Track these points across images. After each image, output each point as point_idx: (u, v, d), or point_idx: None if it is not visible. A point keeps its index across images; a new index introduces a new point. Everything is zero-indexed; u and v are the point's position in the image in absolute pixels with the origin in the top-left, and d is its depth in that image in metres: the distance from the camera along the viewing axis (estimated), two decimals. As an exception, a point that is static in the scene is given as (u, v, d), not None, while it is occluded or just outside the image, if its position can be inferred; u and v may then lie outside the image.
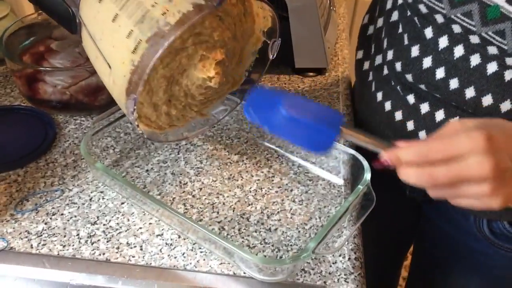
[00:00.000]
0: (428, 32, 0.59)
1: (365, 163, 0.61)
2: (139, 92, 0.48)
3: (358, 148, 0.76)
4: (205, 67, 0.54)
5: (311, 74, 0.91)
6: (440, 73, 0.59)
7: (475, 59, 0.56)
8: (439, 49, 0.58)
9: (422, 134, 0.63)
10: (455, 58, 0.57)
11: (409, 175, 0.45)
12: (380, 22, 0.71)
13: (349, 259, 0.56)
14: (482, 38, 0.53)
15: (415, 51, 0.61)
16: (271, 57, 0.62)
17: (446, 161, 0.43)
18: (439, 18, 0.56)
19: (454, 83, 0.58)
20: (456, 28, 0.55)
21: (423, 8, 0.57)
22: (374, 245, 0.93)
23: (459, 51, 0.56)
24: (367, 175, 0.59)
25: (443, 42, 0.58)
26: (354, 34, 1.94)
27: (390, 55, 0.66)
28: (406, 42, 0.62)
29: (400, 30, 0.64)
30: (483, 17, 0.51)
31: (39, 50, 0.78)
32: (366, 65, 0.75)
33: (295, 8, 0.82)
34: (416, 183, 0.45)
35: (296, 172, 0.68)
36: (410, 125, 0.64)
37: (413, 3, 0.58)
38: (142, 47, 0.47)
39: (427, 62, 0.60)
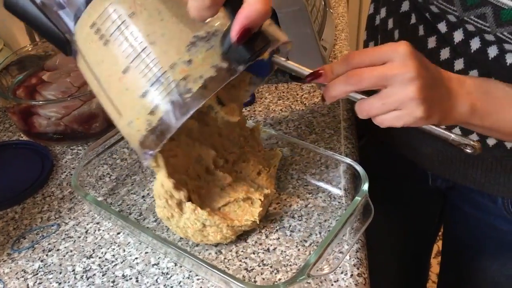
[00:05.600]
0: (442, 27, 0.58)
1: (363, 173, 0.59)
2: (156, 152, 0.46)
3: (361, 155, 0.74)
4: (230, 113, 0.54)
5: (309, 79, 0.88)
6: (458, 65, 0.57)
7: (492, 51, 0.54)
8: (455, 43, 0.57)
9: None
10: (472, 51, 0.55)
11: (336, 84, 0.47)
12: (383, 12, 0.69)
13: (351, 275, 0.54)
14: (498, 38, 0.51)
15: (432, 42, 0.59)
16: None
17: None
18: (452, 18, 0.55)
19: (473, 75, 0.56)
20: (470, 27, 0.53)
21: (434, 9, 0.56)
22: (399, 237, 0.90)
23: (475, 43, 0.55)
24: (365, 186, 0.57)
25: (458, 36, 0.56)
26: (362, 28, 1.90)
27: None
28: (421, 32, 0.60)
29: (414, 20, 0.62)
30: (498, 19, 0.49)
31: (31, 83, 0.78)
32: None
33: (285, 15, 0.80)
34: (344, 88, 0.46)
35: (294, 186, 0.66)
36: None
37: (424, 3, 0.57)
38: (160, 111, 0.43)
39: (444, 53, 0.58)
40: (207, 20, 0.43)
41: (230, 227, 0.55)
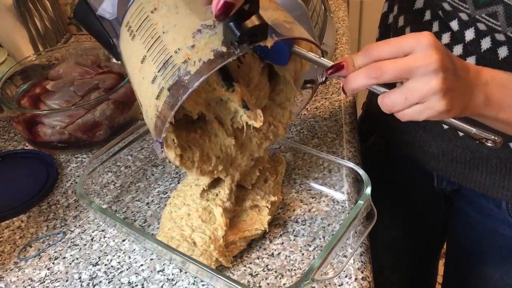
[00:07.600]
0: (454, 25, 0.58)
1: (365, 177, 0.59)
2: (163, 139, 0.48)
3: (366, 157, 0.75)
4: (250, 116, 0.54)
5: (308, 85, 0.88)
6: (470, 61, 0.57)
7: (503, 52, 0.54)
8: (466, 41, 0.57)
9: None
10: (482, 51, 0.56)
11: (357, 76, 0.45)
12: (396, 9, 0.70)
13: (355, 279, 0.54)
14: (508, 37, 0.51)
15: (445, 38, 0.60)
16: (321, 80, 0.61)
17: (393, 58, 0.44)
18: (464, 16, 0.55)
19: None
20: (481, 26, 0.54)
21: (447, 6, 0.56)
22: (405, 241, 0.90)
23: (486, 43, 0.55)
24: (367, 189, 0.57)
25: (470, 35, 0.57)
26: (363, 31, 1.90)
27: None
28: (436, 29, 0.61)
29: (428, 17, 0.62)
30: (509, 18, 0.49)
31: (35, 92, 0.79)
32: None
33: (285, 20, 0.80)
34: (365, 81, 0.45)
35: (298, 191, 0.66)
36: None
37: (437, 0, 0.57)
38: (164, 95, 0.45)
39: (457, 49, 0.59)
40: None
41: (243, 238, 0.56)
